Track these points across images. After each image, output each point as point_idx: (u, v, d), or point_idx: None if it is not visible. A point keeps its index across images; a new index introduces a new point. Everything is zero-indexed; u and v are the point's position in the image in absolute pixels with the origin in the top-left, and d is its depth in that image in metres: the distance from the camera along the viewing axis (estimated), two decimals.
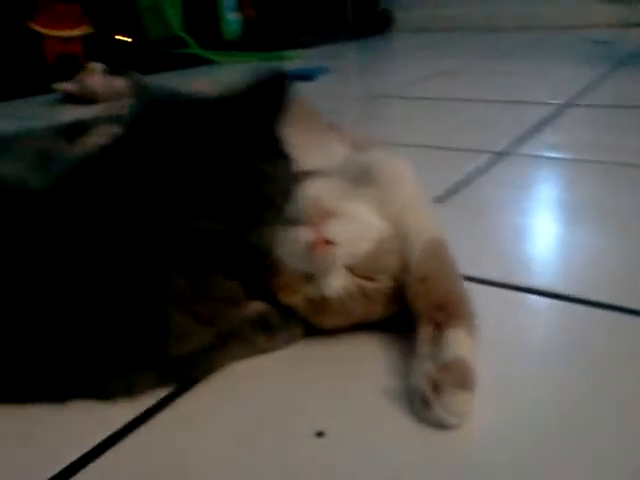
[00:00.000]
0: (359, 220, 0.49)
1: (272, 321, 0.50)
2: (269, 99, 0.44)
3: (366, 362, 0.49)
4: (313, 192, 0.48)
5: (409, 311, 0.49)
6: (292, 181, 0.48)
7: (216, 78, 2.05)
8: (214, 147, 0.43)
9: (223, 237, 0.43)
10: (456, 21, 3.20)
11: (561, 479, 0.37)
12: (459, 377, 0.40)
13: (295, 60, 2.31)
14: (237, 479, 0.38)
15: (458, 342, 0.43)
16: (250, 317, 0.50)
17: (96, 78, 1.62)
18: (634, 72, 1.70)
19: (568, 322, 0.54)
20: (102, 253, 0.42)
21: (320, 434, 0.41)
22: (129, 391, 0.46)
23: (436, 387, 0.40)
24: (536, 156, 1.01)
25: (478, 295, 0.49)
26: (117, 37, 2.13)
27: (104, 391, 0.45)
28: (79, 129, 0.76)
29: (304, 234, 0.47)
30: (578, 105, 1.35)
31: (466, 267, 0.53)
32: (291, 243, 0.47)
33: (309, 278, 0.48)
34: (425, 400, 0.40)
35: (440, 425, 0.40)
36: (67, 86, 1.67)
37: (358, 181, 0.53)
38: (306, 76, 1.82)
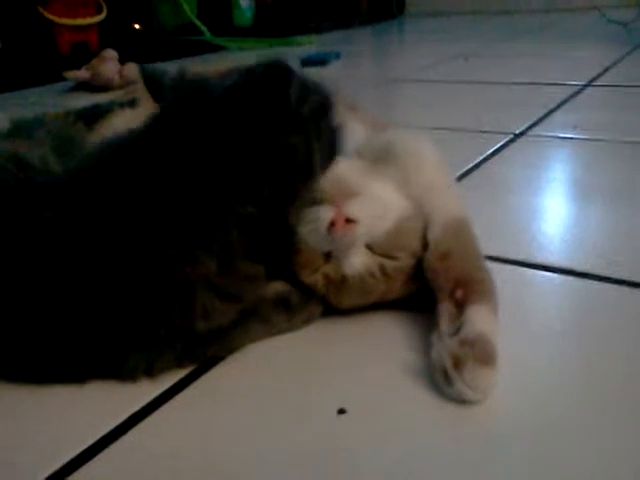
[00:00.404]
0: (380, 199, 0.49)
1: (292, 301, 0.50)
2: (275, 82, 0.43)
3: (385, 340, 0.49)
4: (335, 171, 0.48)
5: (427, 291, 0.49)
6: (331, 147, 0.47)
7: (229, 65, 2.04)
8: (241, 132, 0.43)
9: (264, 221, 0.43)
10: (470, 4, 3.17)
11: (579, 457, 0.37)
12: (481, 352, 0.40)
13: (308, 45, 2.30)
14: (259, 458, 0.38)
15: (479, 318, 0.43)
16: (270, 297, 0.50)
17: (110, 65, 1.62)
18: None
19: (583, 298, 0.54)
20: (131, 233, 0.42)
21: (342, 411, 0.41)
22: (149, 371, 0.46)
23: (457, 362, 0.40)
24: (553, 137, 1.00)
25: (494, 273, 0.49)
26: (133, 25, 2.13)
27: (124, 371, 0.45)
28: (97, 114, 0.76)
29: (325, 213, 0.47)
30: (596, 86, 1.34)
31: (482, 245, 0.53)
32: (312, 222, 0.47)
33: (329, 257, 0.48)
34: (446, 375, 0.40)
35: (461, 401, 0.40)
36: (79, 74, 1.67)
37: (380, 160, 0.53)
38: (320, 61, 1.81)
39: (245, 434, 0.40)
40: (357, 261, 0.47)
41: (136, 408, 0.43)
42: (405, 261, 0.49)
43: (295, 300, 0.51)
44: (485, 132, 1.04)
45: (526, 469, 0.36)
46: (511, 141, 0.98)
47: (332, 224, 0.47)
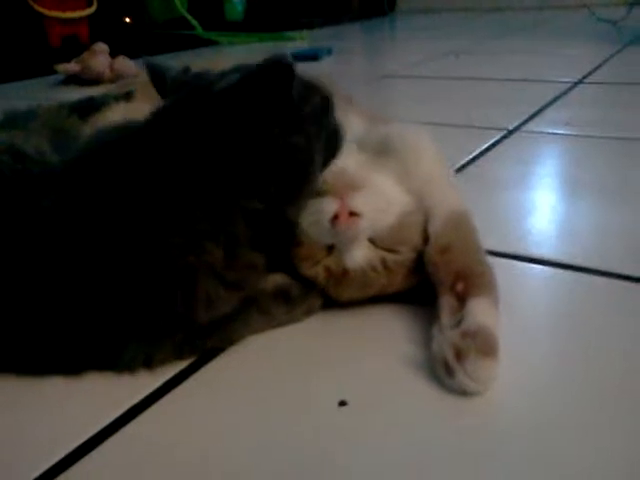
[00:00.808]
0: (383, 192, 0.49)
1: (293, 293, 0.50)
2: (276, 80, 0.43)
3: (385, 332, 0.49)
4: (337, 164, 0.48)
5: (428, 284, 0.49)
6: (332, 144, 0.48)
7: (220, 59, 2.03)
8: (243, 129, 0.43)
9: (267, 215, 0.43)
10: (461, 2, 3.18)
11: (579, 448, 0.37)
12: (482, 344, 0.40)
13: (300, 41, 2.29)
14: (259, 450, 0.38)
15: (480, 311, 0.43)
16: (270, 289, 0.50)
17: (100, 59, 1.61)
18: None
19: (575, 290, 0.55)
20: (132, 222, 0.42)
21: (343, 403, 0.42)
22: (148, 362, 0.46)
23: (459, 354, 0.40)
24: (545, 133, 1.01)
25: None
26: (124, 19, 2.12)
27: (122, 362, 0.45)
28: (92, 107, 0.75)
29: (328, 205, 0.47)
30: (587, 83, 1.35)
31: None
32: (315, 214, 0.47)
33: (331, 249, 0.48)
34: (448, 367, 0.41)
35: (462, 392, 0.41)
36: (69, 67, 1.66)
37: (379, 153, 0.53)
38: (311, 56, 1.81)
39: (245, 426, 0.40)
40: (359, 254, 0.48)
41: (135, 400, 0.43)
42: (406, 255, 0.49)
43: (295, 292, 0.51)
44: (478, 128, 1.04)
45: (525, 462, 0.36)
46: (504, 137, 0.99)
47: (335, 217, 0.47)
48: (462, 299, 0.45)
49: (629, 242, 0.62)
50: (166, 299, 0.42)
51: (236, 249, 0.43)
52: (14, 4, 1.85)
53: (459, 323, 0.43)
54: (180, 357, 0.47)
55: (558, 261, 0.59)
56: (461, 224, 0.50)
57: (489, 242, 0.53)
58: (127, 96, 0.82)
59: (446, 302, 0.45)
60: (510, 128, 1.03)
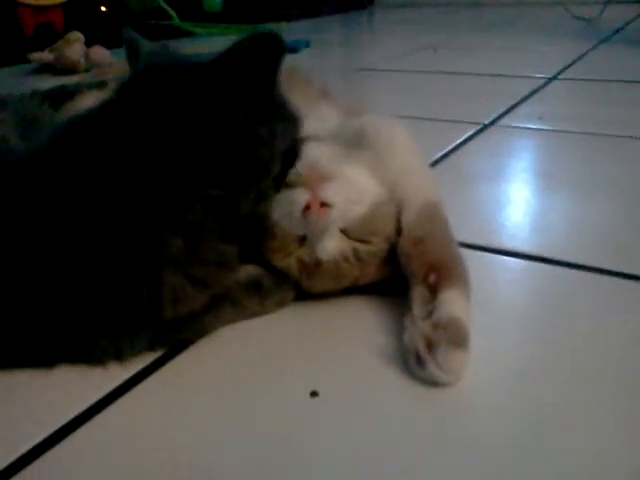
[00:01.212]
0: (355, 183, 0.49)
1: (265, 284, 0.50)
2: (262, 60, 0.43)
3: (358, 323, 0.49)
4: (309, 155, 0.48)
5: (400, 276, 0.49)
6: (294, 142, 0.47)
7: (197, 50, 2.01)
8: (209, 112, 0.42)
9: (223, 203, 0.42)
10: None
11: (548, 438, 0.37)
12: (453, 335, 0.41)
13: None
14: (230, 441, 0.38)
15: (452, 302, 0.43)
16: (242, 280, 0.50)
17: (75, 48, 1.58)
18: (614, 48, 1.72)
19: (549, 283, 0.55)
20: (93, 214, 0.41)
21: (314, 394, 0.41)
22: (118, 355, 0.45)
23: (430, 345, 0.40)
24: (520, 127, 1.01)
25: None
26: (100, 7, 2.08)
27: (93, 355, 0.45)
28: (64, 95, 0.74)
29: (300, 196, 0.47)
30: (561, 79, 1.36)
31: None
32: (287, 205, 0.47)
33: (303, 241, 0.48)
34: (419, 358, 0.41)
35: (434, 383, 0.41)
36: (44, 56, 1.63)
37: (353, 145, 0.53)
38: (290, 49, 1.80)
39: (215, 417, 0.40)
40: (331, 245, 0.47)
41: (105, 392, 0.43)
42: (379, 246, 0.49)
43: (267, 283, 0.50)
44: (454, 122, 1.05)
45: (494, 450, 0.37)
46: (480, 131, 0.99)
47: (307, 207, 0.46)
48: (434, 290, 0.45)
49: (601, 235, 0.63)
50: (132, 295, 0.42)
51: (198, 240, 0.43)
52: None
53: (431, 314, 0.43)
54: (152, 349, 0.46)
55: (531, 254, 0.59)
56: (435, 216, 0.50)
57: (463, 234, 0.53)
58: (101, 85, 0.81)
59: (418, 293, 0.45)
60: (485, 122, 1.03)
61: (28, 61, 1.65)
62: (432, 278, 0.45)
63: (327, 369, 0.44)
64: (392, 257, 0.50)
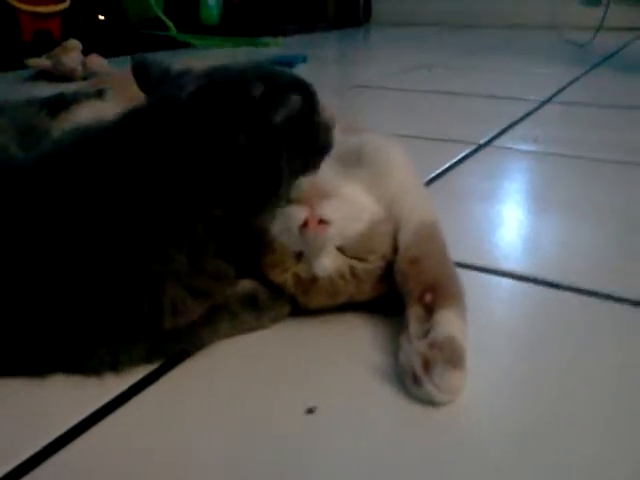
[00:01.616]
0: (353, 201, 0.50)
1: (261, 299, 0.50)
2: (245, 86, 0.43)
3: (354, 341, 0.49)
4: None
5: (396, 294, 0.49)
6: (301, 161, 0.47)
7: (194, 62, 2.02)
8: (209, 135, 0.42)
9: (229, 224, 0.43)
10: (435, 16, 3.21)
11: (546, 458, 0.38)
12: (450, 355, 0.41)
13: (275, 47, 2.30)
14: (227, 457, 0.38)
15: (448, 322, 0.43)
16: (239, 294, 0.50)
17: (73, 56, 1.58)
18: (607, 74, 1.75)
19: (540, 304, 0.56)
20: (96, 228, 0.41)
21: (310, 410, 0.42)
22: (114, 366, 0.45)
23: (427, 364, 0.41)
24: (514, 149, 1.03)
25: None
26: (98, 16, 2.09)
27: (89, 365, 0.44)
28: (62, 103, 0.74)
29: (298, 213, 0.47)
30: (555, 102, 1.38)
31: None
32: (285, 221, 0.48)
33: (300, 257, 0.49)
34: (415, 377, 0.41)
35: (430, 402, 0.41)
36: (41, 62, 1.63)
37: (351, 163, 0.53)
38: (287, 63, 1.81)
39: (211, 432, 0.40)
40: (328, 262, 0.48)
41: (101, 403, 0.42)
42: (375, 264, 0.49)
43: (263, 298, 0.51)
44: (449, 141, 1.06)
45: (489, 470, 0.37)
46: (475, 151, 1.00)
47: (305, 224, 0.47)
48: (430, 310, 0.45)
49: (593, 258, 0.64)
50: (133, 306, 0.42)
51: (200, 257, 0.43)
52: None
53: (427, 333, 0.44)
54: (148, 361, 0.46)
55: (525, 275, 0.60)
56: (432, 235, 0.50)
57: (458, 254, 0.54)
58: (99, 94, 0.82)
59: (414, 312, 0.46)
60: (481, 142, 1.04)
61: (25, 67, 1.65)
62: (428, 297, 0.46)
63: (323, 386, 0.44)
64: (388, 275, 0.50)
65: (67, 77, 1.56)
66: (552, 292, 0.57)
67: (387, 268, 0.50)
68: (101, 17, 2.19)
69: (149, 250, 0.41)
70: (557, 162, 0.96)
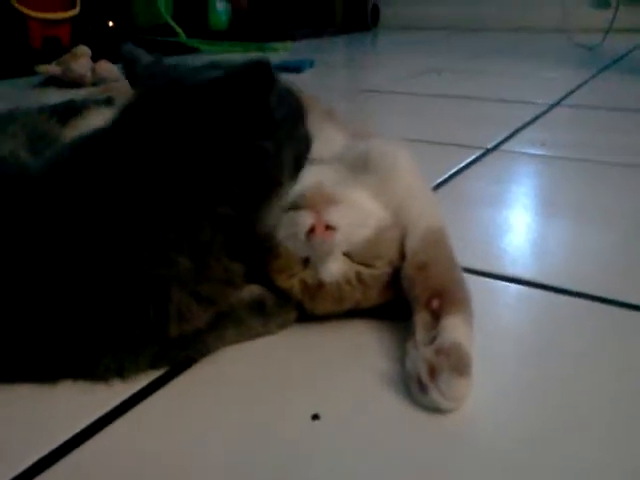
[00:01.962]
0: (359, 207, 0.50)
1: (268, 305, 0.50)
2: (255, 80, 0.43)
3: (360, 347, 0.49)
4: (314, 178, 0.49)
5: (403, 300, 0.49)
6: (300, 154, 0.47)
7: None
8: (210, 130, 0.42)
9: (234, 222, 0.43)
10: (443, 20, 3.21)
11: (552, 464, 0.38)
12: (456, 362, 0.41)
13: (283, 52, 2.30)
14: (232, 463, 0.38)
15: (455, 328, 0.43)
16: (246, 300, 0.50)
17: (82, 62, 1.59)
18: (616, 76, 1.74)
19: (548, 310, 0.56)
20: (102, 234, 0.42)
21: (316, 417, 0.42)
22: (121, 372, 0.45)
23: (433, 371, 0.40)
24: (522, 153, 1.02)
25: None
26: (107, 22, 2.10)
27: (97, 371, 0.45)
28: (72, 110, 0.75)
29: (305, 219, 0.47)
30: (563, 106, 1.37)
31: None
32: (291, 227, 0.48)
33: (307, 262, 0.49)
34: (421, 384, 0.41)
35: (436, 409, 0.41)
36: (51, 69, 1.64)
37: (358, 168, 0.53)
38: (294, 68, 1.82)
39: (217, 437, 0.40)
40: (334, 268, 0.48)
41: (107, 409, 0.43)
42: (382, 269, 0.49)
43: (270, 304, 0.51)
44: (457, 145, 1.06)
45: (496, 477, 0.37)
46: (483, 155, 1.00)
47: (311, 230, 0.47)
48: (437, 316, 0.45)
49: (601, 263, 0.64)
50: (139, 313, 0.42)
51: (206, 258, 0.43)
52: None
53: (433, 340, 0.43)
54: (154, 367, 0.46)
55: (533, 280, 0.60)
56: (439, 241, 0.50)
57: (466, 260, 0.54)
58: (108, 101, 0.82)
59: (421, 318, 0.46)
60: (489, 147, 1.04)
61: (35, 73, 1.67)
62: (435, 304, 0.45)
63: (329, 392, 0.44)
64: (395, 281, 0.50)
65: (76, 83, 1.57)
66: (560, 298, 0.57)
67: (394, 274, 0.50)
68: (110, 23, 2.20)
69: (154, 253, 0.41)
70: (565, 166, 0.96)
